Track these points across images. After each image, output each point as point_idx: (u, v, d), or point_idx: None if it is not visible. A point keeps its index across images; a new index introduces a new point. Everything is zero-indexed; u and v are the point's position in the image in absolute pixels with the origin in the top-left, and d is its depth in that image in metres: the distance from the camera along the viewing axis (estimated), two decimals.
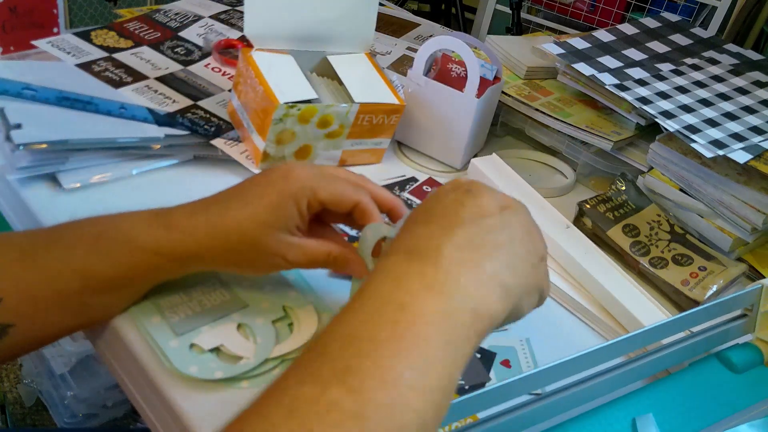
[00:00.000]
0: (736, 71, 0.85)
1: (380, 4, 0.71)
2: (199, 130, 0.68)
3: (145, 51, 0.82)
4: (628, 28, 0.89)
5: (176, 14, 0.92)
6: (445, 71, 0.78)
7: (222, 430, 0.30)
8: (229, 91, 0.75)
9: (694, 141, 0.66)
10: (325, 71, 0.72)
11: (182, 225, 0.45)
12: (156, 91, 0.74)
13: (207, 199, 0.47)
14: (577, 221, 0.70)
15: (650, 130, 0.79)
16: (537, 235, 0.42)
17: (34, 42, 0.80)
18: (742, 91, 0.81)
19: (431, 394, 0.32)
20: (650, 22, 0.93)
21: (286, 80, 0.65)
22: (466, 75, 0.73)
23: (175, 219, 0.45)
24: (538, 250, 0.41)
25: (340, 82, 0.70)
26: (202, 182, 0.66)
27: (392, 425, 0.30)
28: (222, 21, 0.91)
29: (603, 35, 0.86)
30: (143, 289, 0.48)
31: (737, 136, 0.69)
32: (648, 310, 0.58)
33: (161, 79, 0.77)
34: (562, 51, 0.80)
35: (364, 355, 0.31)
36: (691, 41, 0.91)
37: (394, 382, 0.31)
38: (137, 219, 0.45)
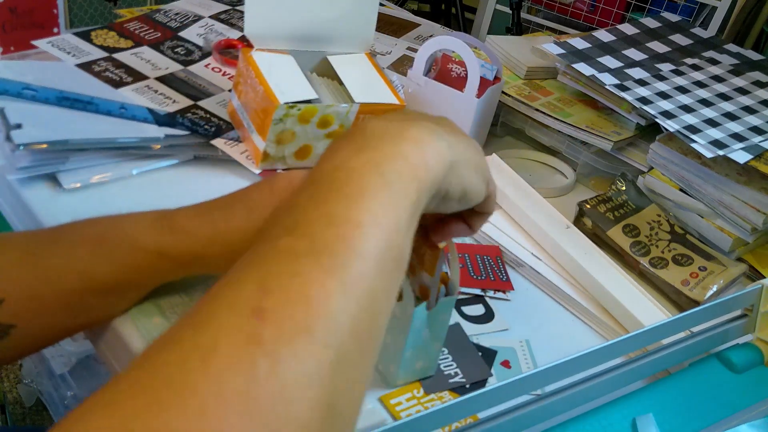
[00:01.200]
0: (736, 71, 0.85)
1: (380, 4, 0.71)
2: (199, 130, 0.68)
3: (146, 51, 0.82)
4: (628, 28, 0.89)
5: (176, 14, 0.92)
6: (445, 71, 0.78)
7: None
8: (229, 91, 0.75)
9: (694, 141, 0.66)
10: (325, 71, 0.72)
11: (186, 228, 0.44)
12: (156, 91, 0.74)
13: (211, 202, 0.46)
14: (577, 221, 0.70)
15: (650, 130, 0.79)
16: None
17: (34, 42, 0.80)
18: (742, 91, 0.81)
19: (381, 230, 0.32)
20: (650, 22, 0.93)
21: (286, 80, 0.65)
22: (466, 75, 0.73)
23: (178, 221, 0.45)
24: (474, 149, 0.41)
25: (340, 82, 0.70)
26: (202, 182, 0.66)
27: (347, 256, 0.30)
28: (222, 21, 0.91)
29: (603, 35, 0.86)
30: (145, 290, 0.48)
31: (737, 136, 0.69)
32: (648, 310, 0.58)
33: (161, 79, 0.77)
34: (562, 51, 0.80)
35: (311, 209, 0.32)
36: (691, 41, 0.91)
37: (341, 222, 0.31)
38: (140, 220, 0.45)
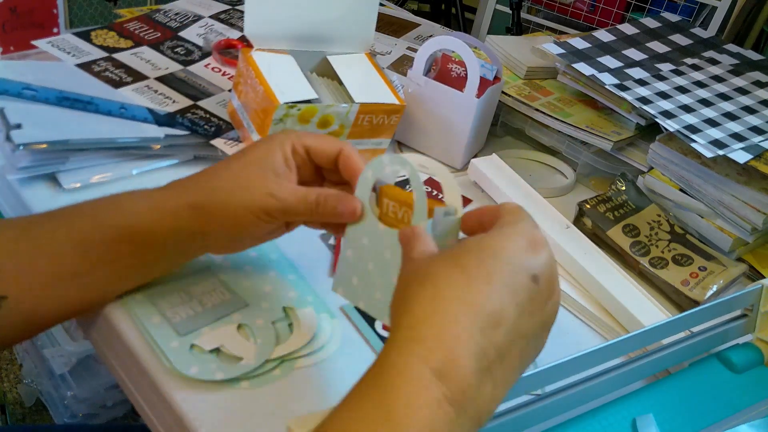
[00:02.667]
0: (736, 71, 0.85)
1: (380, 4, 0.71)
2: (199, 130, 0.68)
3: (145, 51, 0.82)
4: (628, 28, 0.89)
5: (176, 14, 0.92)
6: (445, 71, 0.78)
7: None
8: (229, 91, 0.75)
9: (694, 141, 0.66)
10: (325, 71, 0.72)
11: (175, 185, 0.46)
12: (156, 91, 0.74)
13: (200, 173, 0.48)
14: (577, 221, 0.70)
15: (650, 130, 0.79)
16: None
17: (34, 42, 0.80)
18: (742, 91, 0.81)
19: None
20: (650, 22, 0.93)
21: (286, 80, 0.65)
22: (466, 75, 0.73)
23: (169, 183, 0.47)
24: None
25: (340, 82, 0.70)
26: None
27: None
28: (222, 21, 0.91)
29: (603, 35, 0.86)
30: (142, 267, 0.47)
31: (737, 136, 0.69)
32: (648, 310, 0.58)
33: (161, 79, 0.77)
34: (562, 51, 0.80)
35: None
36: (691, 41, 0.91)
37: None
38: (138, 194, 0.46)
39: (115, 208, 0.46)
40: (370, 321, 0.54)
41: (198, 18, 0.91)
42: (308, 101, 0.64)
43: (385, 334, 0.53)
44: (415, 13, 1.17)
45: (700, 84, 0.80)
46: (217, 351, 0.47)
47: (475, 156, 0.80)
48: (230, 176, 0.46)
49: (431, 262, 0.36)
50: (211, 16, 0.92)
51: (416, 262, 0.37)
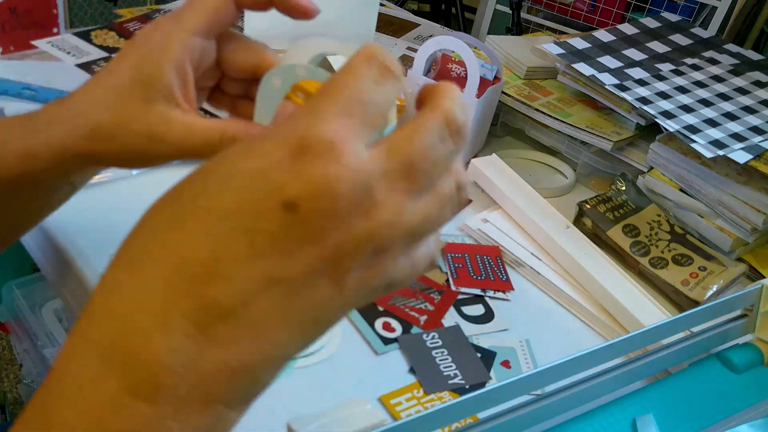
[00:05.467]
0: (736, 71, 0.85)
1: (380, 4, 0.71)
2: None
3: None
4: (628, 28, 0.89)
5: None
6: (445, 71, 0.78)
7: None
8: None
9: (694, 141, 0.66)
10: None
11: (46, 115, 0.39)
12: None
13: (75, 94, 0.40)
14: (577, 221, 0.70)
15: (650, 130, 0.79)
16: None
17: (34, 42, 0.80)
18: (742, 91, 0.81)
19: None
20: (650, 22, 0.93)
21: None
22: (466, 75, 0.73)
23: (40, 111, 0.40)
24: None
25: None
26: None
27: None
28: None
29: (603, 35, 0.86)
30: (35, 196, 0.43)
31: (737, 136, 0.69)
32: (648, 310, 0.58)
33: None
34: (562, 51, 0.80)
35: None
36: (691, 41, 0.91)
37: None
38: (4, 120, 0.41)
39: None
40: (370, 321, 0.54)
41: None
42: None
43: (385, 334, 0.53)
44: (415, 13, 1.17)
45: (700, 84, 0.80)
46: None
47: (475, 156, 0.80)
48: (102, 115, 0.37)
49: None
50: None
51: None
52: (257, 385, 0.25)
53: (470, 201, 0.72)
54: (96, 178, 0.62)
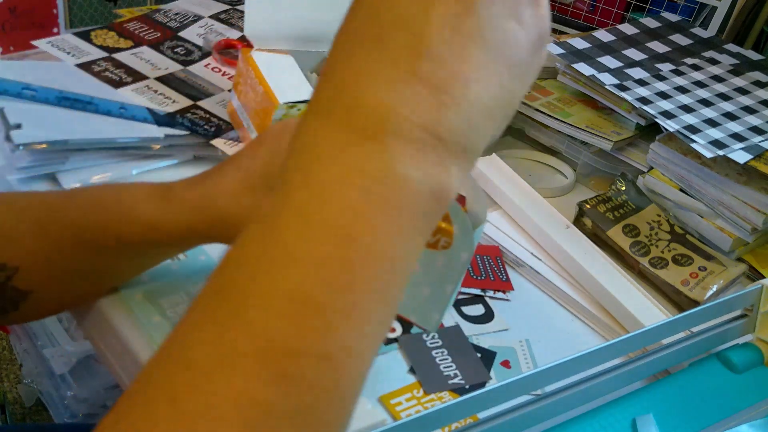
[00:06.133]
0: (736, 71, 0.85)
1: None
2: (199, 130, 0.68)
3: (145, 51, 0.82)
4: (628, 28, 0.89)
5: (176, 14, 0.92)
6: None
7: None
8: (229, 91, 0.75)
9: (694, 141, 0.66)
10: None
11: (177, 197, 0.44)
12: (156, 91, 0.74)
13: (207, 171, 0.46)
14: (577, 221, 0.70)
15: (650, 130, 0.79)
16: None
17: (34, 42, 0.80)
18: (742, 91, 0.81)
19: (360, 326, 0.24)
20: (650, 22, 0.93)
21: (286, 80, 0.65)
22: None
23: (173, 192, 0.44)
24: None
25: None
26: None
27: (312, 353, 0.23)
28: (222, 21, 0.91)
29: (603, 35, 0.86)
30: (150, 259, 0.49)
31: (737, 136, 0.69)
32: (648, 310, 0.58)
33: (161, 79, 0.77)
34: (562, 51, 0.80)
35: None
36: (691, 41, 0.91)
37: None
38: (138, 192, 0.45)
39: (116, 215, 0.44)
40: None
41: (198, 18, 0.91)
42: (308, 101, 0.64)
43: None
44: None
45: (700, 84, 0.80)
46: None
47: None
48: (232, 200, 0.43)
49: None
50: (211, 16, 0.92)
51: None
52: (477, 133, 0.26)
53: None
54: (96, 178, 0.62)
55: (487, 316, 0.57)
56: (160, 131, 0.66)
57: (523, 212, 0.67)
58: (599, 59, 0.80)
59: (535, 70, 0.29)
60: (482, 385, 0.50)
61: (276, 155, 0.43)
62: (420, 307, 0.44)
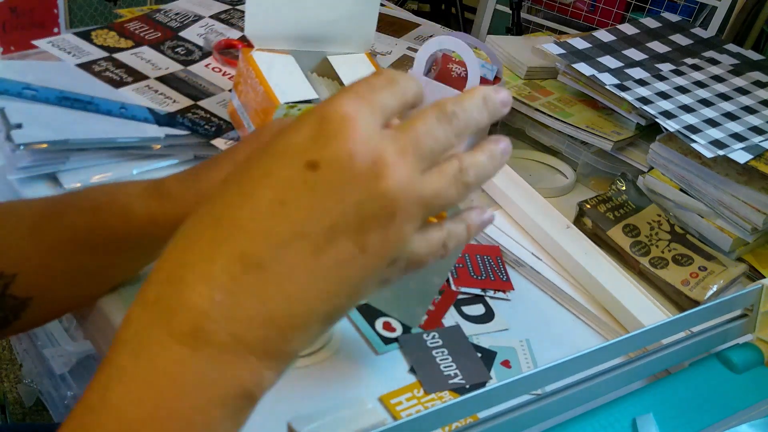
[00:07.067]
0: (736, 71, 0.85)
1: (380, 4, 0.71)
2: (199, 130, 0.68)
3: (146, 51, 0.82)
4: (628, 28, 0.89)
5: (176, 14, 0.92)
6: (445, 71, 0.78)
7: None
8: (230, 91, 0.75)
9: (695, 141, 0.66)
10: (325, 71, 0.72)
11: (172, 191, 0.45)
12: (156, 91, 0.74)
13: (201, 163, 0.47)
14: (577, 221, 0.70)
15: (650, 130, 0.79)
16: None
17: (34, 42, 0.80)
18: (742, 91, 0.81)
19: None
20: (650, 22, 0.93)
21: (286, 80, 0.65)
22: (466, 75, 0.73)
23: (165, 186, 0.45)
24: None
25: (341, 83, 0.70)
26: None
27: None
28: (222, 21, 0.91)
29: (603, 35, 0.86)
30: (147, 256, 0.49)
31: (737, 136, 0.69)
32: (648, 310, 0.58)
33: (162, 79, 0.77)
34: (562, 51, 0.80)
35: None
36: (691, 41, 0.91)
37: None
38: (132, 190, 0.46)
39: (112, 214, 0.45)
40: (370, 321, 0.54)
41: (198, 18, 0.91)
42: (308, 101, 0.64)
43: (386, 333, 0.53)
44: (415, 13, 1.17)
45: (700, 84, 0.80)
46: None
47: None
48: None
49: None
50: (211, 16, 0.92)
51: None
52: (287, 342, 0.28)
53: (492, 220, 0.72)
54: (96, 178, 0.62)
55: (488, 316, 0.57)
56: (161, 131, 0.66)
57: (524, 212, 0.67)
58: (599, 59, 0.81)
59: (381, 285, 0.30)
60: (482, 384, 0.50)
61: None
62: (404, 302, 0.43)
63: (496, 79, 0.78)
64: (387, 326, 0.54)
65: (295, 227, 0.27)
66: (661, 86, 0.77)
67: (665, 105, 0.73)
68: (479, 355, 0.53)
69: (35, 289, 0.45)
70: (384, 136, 0.28)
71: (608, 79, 0.76)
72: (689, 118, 0.71)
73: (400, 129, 0.29)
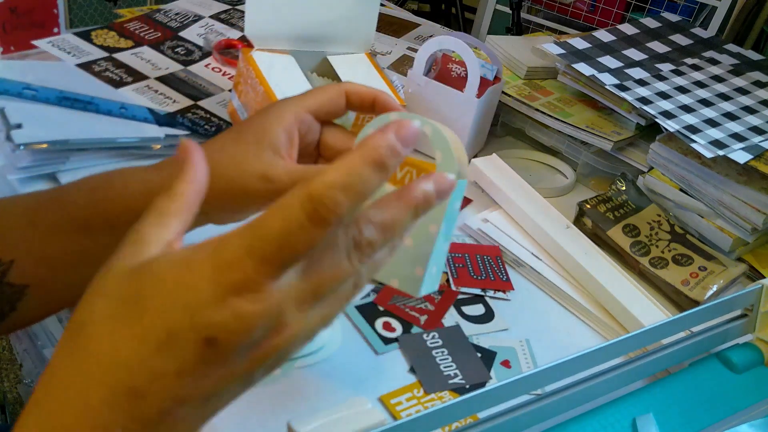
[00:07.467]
0: (736, 71, 0.85)
1: (380, 4, 0.71)
2: (199, 130, 0.68)
3: (146, 51, 0.82)
4: (628, 28, 0.89)
5: (176, 14, 0.92)
6: (445, 71, 0.78)
7: None
8: (230, 91, 0.75)
9: (694, 141, 0.66)
10: (325, 71, 0.72)
11: (169, 162, 0.45)
12: (156, 91, 0.74)
13: (210, 140, 0.47)
14: (577, 221, 0.70)
15: (650, 130, 0.79)
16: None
17: (34, 42, 0.80)
18: (742, 91, 0.81)
19: None
20: (650, 22, 0.93)
21: (286, 80, 0.65)
22: (466, 75, 0.73)
23: (163, 161, 0.46)
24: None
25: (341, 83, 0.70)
26: None
27: None
28: (222, 21, 0.91)
29: (603, 35, 0.86)
30: None
31: (737, 136, 0.69)
32: (648, 310, 0.58)
33: (161, 79, 0.77)
34: (562, 51, 0.80)
35: None
36: (691, 41, 0.91)
37: None
38: (128, 171, 0.46)
39: (110, 189, 0.45)
40: (371, 321, 0.54)
41: (198, 18, 0.91)
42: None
43: (386, 333, 0.53)
44: (415, 13, 1.17)
45: (700, 84, 0.80)
46: None
47: (476, 156, 0.80)
48: (224, 158, 0.44)
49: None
50: (211, 16, 0.92)
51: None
52: None
53: (470, 201, 0.72)
54: None
55: (488, 316, 0.57)
56: (161, 131, 0.66)
57: (523, 212, 0.67)
58: (599, 59, 0.81)
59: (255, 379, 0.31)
60: (482, 384, 0.50)
61: (265, 119, 0.45)
62: (402, 265, 0.37)
63: (496, 79, 0.78)
64: (387, 326, 0.54)
65: (189, 390, 0.28)
66: (661, 86, 0.77)
67: (665, 105, 0.73)
68: (479, 355, 0.53)
69: (33, 277, 0.44)
70: (287, 291, 0.28)
71: (608, 79, 0.76)
72: (689, 118, 0.71)
73: (305, 272, 0.28)
